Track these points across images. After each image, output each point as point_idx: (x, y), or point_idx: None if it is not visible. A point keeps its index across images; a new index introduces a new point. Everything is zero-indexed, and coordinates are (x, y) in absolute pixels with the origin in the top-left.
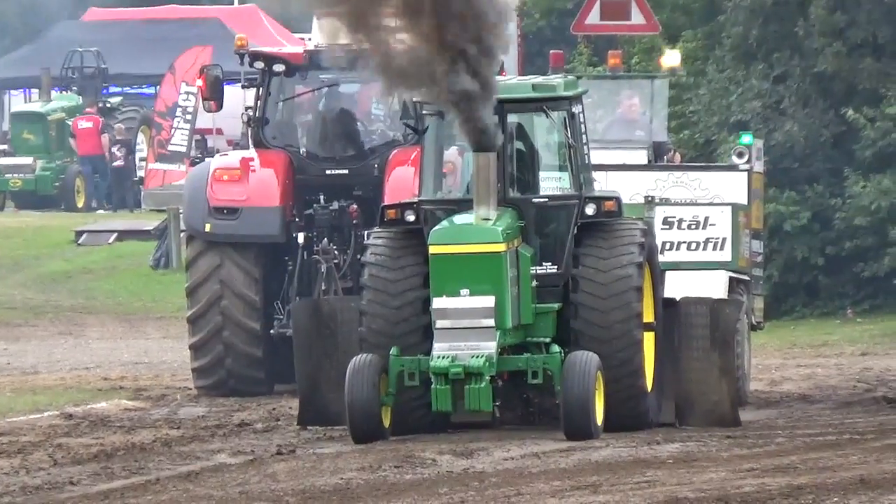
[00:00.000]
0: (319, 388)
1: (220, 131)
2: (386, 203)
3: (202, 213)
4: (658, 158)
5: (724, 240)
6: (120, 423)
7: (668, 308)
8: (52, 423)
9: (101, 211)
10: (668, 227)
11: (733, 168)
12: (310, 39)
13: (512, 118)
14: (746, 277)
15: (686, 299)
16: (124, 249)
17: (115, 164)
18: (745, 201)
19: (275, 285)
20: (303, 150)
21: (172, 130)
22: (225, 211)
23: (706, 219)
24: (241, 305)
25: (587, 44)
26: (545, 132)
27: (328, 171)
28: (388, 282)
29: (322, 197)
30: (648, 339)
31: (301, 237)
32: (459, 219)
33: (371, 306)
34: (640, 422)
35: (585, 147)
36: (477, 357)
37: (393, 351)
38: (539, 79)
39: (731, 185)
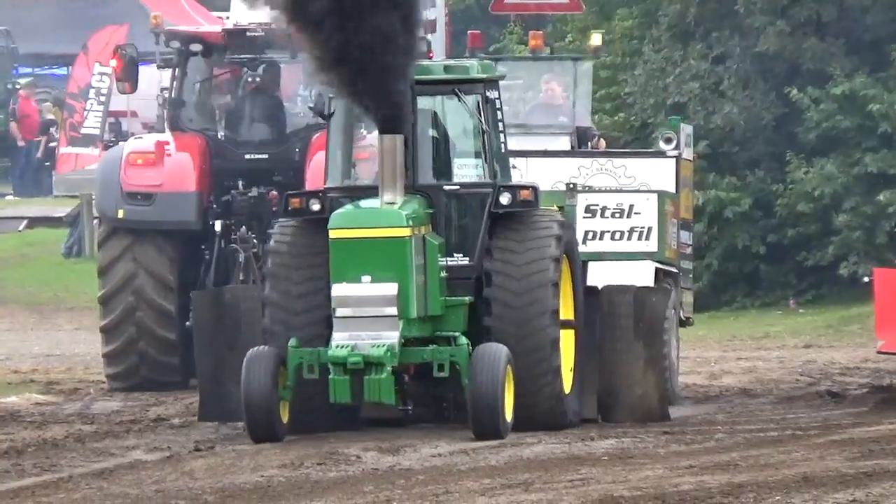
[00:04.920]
0: (221, 381)
1: (135, 114)
2: (308, 189)
3: (115, 198)
4: (582, 145)
5: (649, 229)
6: (31, 418)
7: (589, 297)
8: None
9: (10, 197)
10: (590, 215)
11: (661, 154)
12: (228, 18)
13: (423, 101)
14: (674, 269)
15: (609, 287)
16: (35, 237)
17: (49, 144)
18: (673, 189)
19: (191, 275)
20: (221, 133)
21: (85, 113)
22: (139, 196)
23: (631, 207)
24: (154, 307)
25: (519, 22)
26: (458, 117)
27: (247, 156)
28: (290, 282)
29: (241, 183)
30: (568, 337)
31: (218, 225)
32: (363, 203)
33: (273, 307)
34: (558, 424)
35: (502, 134)
36: (377, 346)
37: (292, 342)
38: (452, 60)
39: (658, 173)
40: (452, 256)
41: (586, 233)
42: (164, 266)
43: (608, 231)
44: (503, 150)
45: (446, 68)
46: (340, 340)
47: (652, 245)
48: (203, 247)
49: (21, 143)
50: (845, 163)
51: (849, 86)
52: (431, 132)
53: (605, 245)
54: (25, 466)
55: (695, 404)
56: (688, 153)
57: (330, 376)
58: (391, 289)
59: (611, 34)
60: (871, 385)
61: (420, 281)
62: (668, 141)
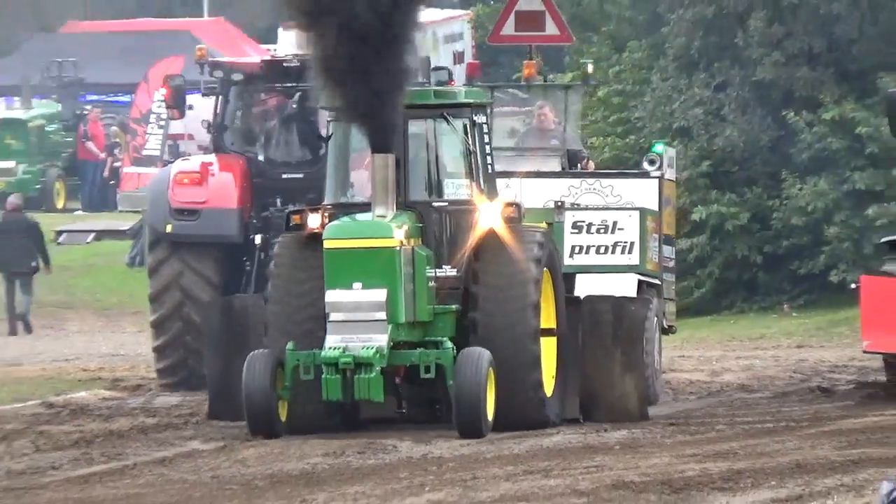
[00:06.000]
0: (229, 383)
1: (192, 136)
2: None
3: (164, 213)
4: (572, 166)
5: (631, 244)
6: (98, 412)
7: (571, 306)
8: (34, 411)
9: (79, 212)
10: (577, 231)
11: (645, 175)
12: (275, 50)
13: (415, 124)
14: (657, 281)
15: (590, 297)
16: (101, 248)
17: (114, 164)
18: (656, 207)
19: (233, 286)
20: (260, 155)
21: (147, 136)
22: (185, 212)
23: (615, 223)
24: (200, 304)
25: (538, 54)
26: (447, 139)
27: (284, 175)
28: (289, 290)
29: (278, 200)
30: (550, 344)
31: (258, 238)
32: (357, 217)
33: (274, 312)
34: (539, 424)
35: (489, 156)
36: (367, 348)
37: (289, 346)
38: (442, 87)
39: (642, 192)
40: (441, 268)
41: (573, 247)
42: (207, 288)
43: (593, 245)
44: (490, 170)
45: (436, 94)
46: (333, 343)
47: (634, 259)
48: (244, 259)
49: (101, 157)
50: (835, 180)
51: (839, 111)
52: (422, 152)
53: (591, 258)
54: (94, 455)
55: (698, 399)
56: (670, 174)
57: (323, 375)
58: (380, 295)
59: (622, 64)
60: (858, 381)
61: (408, 289)
62: (652, 162)
